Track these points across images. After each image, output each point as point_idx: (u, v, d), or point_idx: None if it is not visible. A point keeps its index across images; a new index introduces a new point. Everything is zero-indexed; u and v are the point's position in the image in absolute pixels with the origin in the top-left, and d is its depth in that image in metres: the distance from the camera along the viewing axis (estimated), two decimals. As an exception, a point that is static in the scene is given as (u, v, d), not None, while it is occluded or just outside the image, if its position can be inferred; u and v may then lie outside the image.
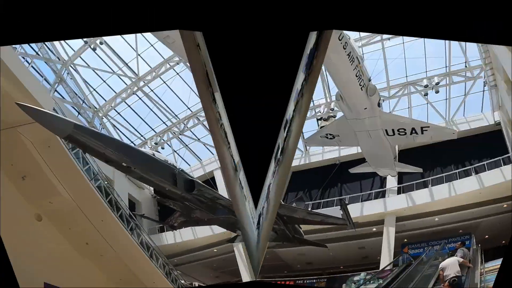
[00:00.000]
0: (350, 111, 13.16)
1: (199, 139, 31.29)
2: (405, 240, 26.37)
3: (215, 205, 11.82)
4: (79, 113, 28.03)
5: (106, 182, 19.60)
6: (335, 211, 15.20)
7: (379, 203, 24.69)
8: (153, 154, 10.30)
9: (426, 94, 25.30)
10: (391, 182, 25.72)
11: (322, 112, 25.93)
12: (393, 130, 14.21)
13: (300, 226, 15.18)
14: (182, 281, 22.41)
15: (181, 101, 29.39)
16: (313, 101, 28.29)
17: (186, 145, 31.86)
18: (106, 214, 18.36)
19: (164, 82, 28.29)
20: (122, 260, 19.49)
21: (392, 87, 27.05)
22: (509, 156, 22.64)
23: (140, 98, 29.30)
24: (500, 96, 22.92)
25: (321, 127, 19.07)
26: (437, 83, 24.06)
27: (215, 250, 28.88)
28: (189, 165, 32.82)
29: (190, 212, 12.36)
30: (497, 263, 15.63)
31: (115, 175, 27.00)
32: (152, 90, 28.93)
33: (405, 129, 14.11)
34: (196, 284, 23.10)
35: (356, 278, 20.98)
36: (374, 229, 24.70)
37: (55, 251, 17.88)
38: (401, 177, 25.60)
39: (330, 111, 24.27)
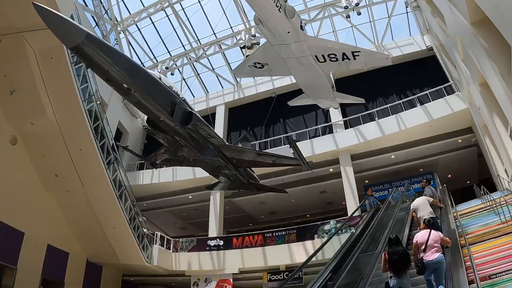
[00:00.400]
0: (273, 36, 12.85)
1: (213, 68, 29.96)
2: (366, 181, 26.50)
3: (205, 144, 11.33)
4: (97, 24, 26.47)
5: (98, 103, 18.14)
6: (285, 151, 14.77)
7: (329, 139, 24.33)
8: (160, 78, 9.54)
9: (348, 17, 24.52)
10: (336, 116, 25.54)
11: (244, 39, 25.44)
12: (323, 56, 13.96)
13: (253, 170, 15.04)
14: (145, 230, 21.90)
15: (209, 24, 28.15)
16: (231, 27, 28.11)
17: (198, 74, 30.48)
18: (87, 143, 17.11)
19: (199, 1, 26.78)
20: (87, 198, 18.66)
21: (311, 9, 26.48)
22: (450, 84, 22.75)
23: (167, 16, 27.60)
24: (426, 18, 22.79)
25: (246, 56, 18.62)
26: (357, 4, 23.32)
27: (190, 197, 28.11)
28: (194, 96, 31.67)
29: (177, 149, 11.86)
30: (468, 205, 15.94)
31: (112, 99, 26.45)
32: (183, 9, 27.20)
33: (335, 55, 13.86)
34: (159, 234, 22.59)
35: (326, 227, 20.88)
36: (331, 170, 24.67)
37: (20, 183, 17.39)
38: (345, 110, 25.58)
39: (252, 37, 23.83)
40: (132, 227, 19.91)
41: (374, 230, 11.86)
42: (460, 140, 23.39)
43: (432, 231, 7.76)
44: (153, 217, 30.69)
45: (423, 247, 7.49)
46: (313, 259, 12.15)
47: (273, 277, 20.31)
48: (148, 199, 28.49)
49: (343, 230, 18.29)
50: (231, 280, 21.62)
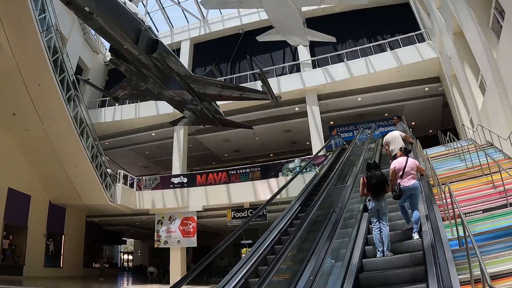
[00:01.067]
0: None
1: (179, 2, 28.21)
2: (332, 122, 26.55)
3: (171, 75, 10.82)
4: None
5: (59, 36, 17.11)
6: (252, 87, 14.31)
7: (296, 77, 23.99)
8: (124, 3, 8.93)
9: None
10: (304, 55, 25.13)
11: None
12: (297, -14, 13.30)
13: (218, 106, 14.59)
14: (109, 170, 21.45)
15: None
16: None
17: (163, 7, 28.81)
18: (46, 77, 16.14)
19: None
20: (47, 137, 17.97)
21: None
22: (422, 32, 22.75)
23: None
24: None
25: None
26: None
27: (153, 134, 27.64)
28: (158, 31, 29.53)
29: (141, 82, 11.31)
30: (433, 151, 16.24)
31: (72, 33, 25.17)
32: None
33: (310, -15, 13.22)
34: (122, 172, 22.18)
35: (291, 165, 20.84)
36: (297, 109, 24.50)
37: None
38: (313, 49, 25.17)
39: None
40: (94, 166, 19.52)
41: (342, 167, 11.74)
42: (427, 89, 23.69)
43: (409, 158, 7.88)
44: (116, 156, 30.14)
45: (401, 173, 7.63)
46: (278, 197, 12.17)
47: (237, 215, 20.47)
48: (110, 137, 27.86)
49: (308, 169, 18.35)
50: (195, 217, 21.77)
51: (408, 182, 7.53)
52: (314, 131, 22.75)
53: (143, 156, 32.34)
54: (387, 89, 23.50)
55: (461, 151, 13.80)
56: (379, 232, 7.04)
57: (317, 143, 22.06)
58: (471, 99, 16.81)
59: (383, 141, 11.42)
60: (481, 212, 8.31)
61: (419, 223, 7.20)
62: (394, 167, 7.85)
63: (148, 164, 33.95)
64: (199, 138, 27.75)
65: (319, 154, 18.78)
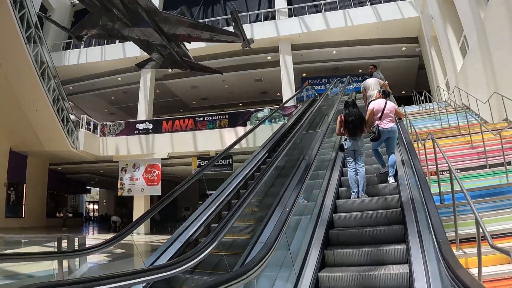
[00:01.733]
0: None
1: None
2: (304, 74, 26.11)
3: (137, 11, 10.02)
4: None
5: None
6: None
7: (270, 25, 23.23)
8: None
9: None
10: (280, 2, 24.26)
11: None
12: None
13: (187, 48, 13.86)
14: (72, 116, 20.51)
15: None
16: None
17: None
18: (4, 13, 14.88)
19: None
20: (6, 79, 16.85)
21: None
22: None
23: None
24: None
25: None
26: None
27: (119, 79, 26.59)
28: None
29: (107, 19, 10.44)
30: (408, 109, 15.78)
31: None
32: None
33: None
34: (85, 117, 21.26)
35: (260, 114, 20.24)
36: (269, 58, 23.95)
37: None
38: None
39: None
40: (55, 110, 18.45)
41: (313, 117, 11.34)
42: (404, 48, 23.63)
43: (388, 101, 7.72)
44: (81, 102, 29.13)
45: (379, 114, 7.48)
46: (245, 146, 11.67)
47: (202, 163, 19.94)
48: (75, 81, 26.74)
49: (277, 119, 17.93)
50: (159, 165, 21.24)
51: (387, 124, 7.40)
52: (286, 82, 22.36)
53: (109, 102, 31.35)
54: (363, 45, 23.26)
55: (438, 112, 13.70)
56: (354, 172, 6.96)
57: (288, 94, 21.64)
58: (450, 61, 16.75)
59: (361, 87, 11.15)
60: (458, 171, 8.08)
61: (395, 167, 7.15)
62: (373, 108, 7.62)
63: (114, 110, 32.94)
64: (167, 83, 26.97)
65: (290, 105, 18.31)
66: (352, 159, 7.12)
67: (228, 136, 19.56)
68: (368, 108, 7.90)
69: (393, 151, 7.42)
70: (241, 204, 5.63)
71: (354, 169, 6.99)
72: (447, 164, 5.71)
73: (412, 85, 27.15)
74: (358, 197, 6.75)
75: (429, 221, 3.98)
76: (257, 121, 19.54)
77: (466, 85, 14.35)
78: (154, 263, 5.34)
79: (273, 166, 7.08)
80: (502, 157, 7.86)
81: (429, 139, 7.31)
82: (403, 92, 27.77)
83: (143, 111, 23.67)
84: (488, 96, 11.54)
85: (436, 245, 3.38)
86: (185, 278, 5.39)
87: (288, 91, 21.82)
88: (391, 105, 7.65)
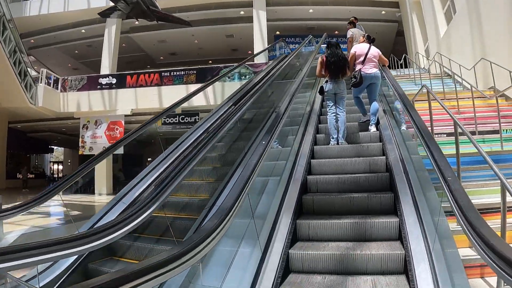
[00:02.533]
0: None
1: None
2: (278, 32, 25.22)
3: None
4: None
5: None
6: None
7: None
8: None
9: None
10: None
11: None
12: None
13: None
14: (33, 72, 19.15)
15: None
16: None
17: None
18: None
19: None
20: None
21: None
22: None
23: None
24: None
25: None
26: None
27: (83, 31, 25.01)
28: None
29: None
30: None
31: None
32: None
33: None
34: (45, 71, 19.89)
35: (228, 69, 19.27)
36: (242, 12, 22.97)
37: None
38: None
39: None
40: (12, 62, 17.01)
41: (285, 70, 10.67)
42: (383, 12, 23.13)
43: (372, 46, 7.32)
44: (42, 56, 27.49)
45: (362, 58, 7.13)
46: (212, 103, 10.85)
47: (168, 120, 19.04)
48: (36, 34, 25.04)
49: (247, 76, 17.12)
50: (122, 122, 20.09)
51: (370, 70, 7.08)
52: (259, 39, 21.51)
53: (73, 57, 29.69)
54: (342, 5, 22.59)
55: (419, 77, 13.39)
56: (334, 117, 6.59)
57: (260, 49, 20.61)
58: (432, 27, 16.40)
59: (348, 35, 10.86)
60: (445, 135, 7.81)
61: (377, 116, 6.93)
62: (355, 52, 7.26)
63: (78, 65, 31.26)
64: (133, 37, 25.69)
65: (261, 62, 17.45)
66: (332, 103, 6.73)
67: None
68: (350, 52, 7.46)
69: (375, 99, 7.12)
70: (194, 156, 4.59)
71: (334, 114, 6.61)
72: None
73: (388, 52, 26.43)
74: (337, 143, 6.37)
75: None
76: (226, 78, 18.67)
77: (449, 52, 13.98)
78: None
79: (238, 113, 6.24)
80: (494, 124, 7.55)
81: (423, 92, 6.98)
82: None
83: (106, 65, 22.31)
84: (473, 63, 11.11)
85: (450, 195, 2.59)
86: (128, 245, 4.62)
87: (260, 48, 20.85)
88: (375, 50, 7.28)
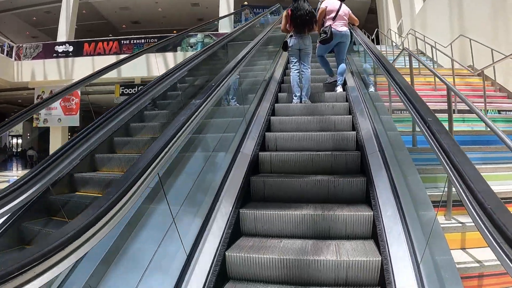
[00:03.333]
0: None
1: None
2: (246, 2, 24.63)
3: None
4: None
5: None
6: None
7: None
8: None
9: None
10: None
11: None
12: None
13: None
14: None
15: None
16: None
17: None
18: None
19: None
20: None
21: None
22: None
23: None
24: None
25: None
26: None
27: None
28: None
29: None
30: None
31: None
32: None
33: None
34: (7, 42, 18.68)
35: (192, 40, 18.35)
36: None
37: None
38: None
39: None
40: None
41: (245, 35, 9.94)
42: None
43: (343, 4, 7.04)
44: (-2, 23, 25.71)
45: (333, 15, 6.82)
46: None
47: (126, 91, 18.07)
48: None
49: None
50: (79, 92, 18.90)
51: (340, 27, 6.82)
52: (225, 9, 20.67)
53: (31, 24, 28.01)
54: None
55: (391, 53, 12.93)
56: (298, 74, 6.33)
57: (226, 22, 19.65)
58: (407, 3, 15.98)
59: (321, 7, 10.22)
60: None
61: (344, 76, 6.77)
62: (326, 7, 6.94)
63: (36, 33, 29.53)
64: (94, 3, 24.38)
65: (224, 32, 16.59)
66: (296, 60, 6.43)
67: (156, 62, 17.56)
68: (320, 7, 7.06)
69: (343, 59, 6.94)
70: (110, 119, 3.69)
71: (298, 71, 6.34)
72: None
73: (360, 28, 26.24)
74: (300, 101, 6.11)
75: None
76: (189, 47, 17.81)
77: (424, 28, 13.73)
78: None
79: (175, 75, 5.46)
80: (474, 103, 6.81)
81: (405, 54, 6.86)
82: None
83: (63, 32, 20.79)
84: (450, 40, 10.80)
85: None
86: (37, 230, 3.79)
87: (226, 18, 19.89)
88: (346, 8, 7.02)
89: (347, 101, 6.00)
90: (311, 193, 3.69)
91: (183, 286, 2.46)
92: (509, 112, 7.47)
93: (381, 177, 3.49)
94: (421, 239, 2.52)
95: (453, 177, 1.76)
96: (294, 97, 6.20)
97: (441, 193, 3.33)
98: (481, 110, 6.52)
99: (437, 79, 8.57)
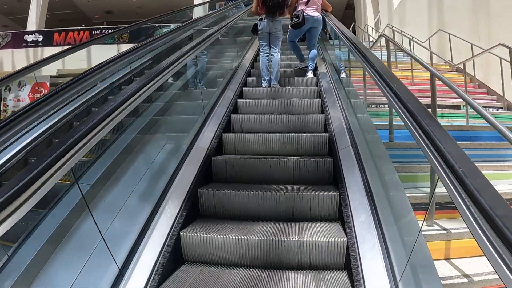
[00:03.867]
0: None
1: None
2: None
3: None
4: None
5: None
6: None
7: None
8: None
9: None
10: None
11: None
12: None
13: None
14: None
15: None
16: None
17: None
18: None
19: None
20: None
21: None
22: None
23: None
24: None
25: None
26: None
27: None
28: None
29: None
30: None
31: None
32: None
33: None
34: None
35: (165, 30, 17.97)
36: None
37: None
38: None
39: None
40: None
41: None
42: None
43: None
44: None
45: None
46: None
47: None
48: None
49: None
50: (48, 83, 18.36)
51: (313, 12, 6.65)
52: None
53: (1, 12, 27.16)
54: None
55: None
56: (267, 58, 6.23)
57: (201, 12, 19.30)
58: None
59: None
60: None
61: (315, 61, 6.71)
62: None
63: (7, 22, 28.66)
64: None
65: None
66: (266, 43, 6.31)
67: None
68: None
69: (315, 44, 6.86)
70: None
71: (267, 54, 6.25)
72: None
73: (336, 25, 26.35)
74: (269, 86, 6.03)
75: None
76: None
77: (402, 24, 13.69)
78: None
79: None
80: (453, 98, 6.96)
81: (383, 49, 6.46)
82: (325, 29, 26.94)
83: (33, 21, 20.24)
84: (427, 35, 10.75)
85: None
86: None
87: (201, 9, 19.60)
88: None
89: (317, 86, 5.92)
90: (276, 174, 3.51)
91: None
92: (489, 109, 7.29)
93: (349, 159, 3.33)
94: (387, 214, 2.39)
95: (420, 140, 1.59)
96: (263, 81, 6.13)
97: (422, 194, 3.21)
98: (462, 106, 6.50)
99: (415, 73, 8.55)
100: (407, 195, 2.48)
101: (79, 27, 19.62)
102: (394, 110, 2.20)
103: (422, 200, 3.22)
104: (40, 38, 18.60)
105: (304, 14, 6.53)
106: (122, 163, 3.00)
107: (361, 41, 12.58)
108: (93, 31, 18.29)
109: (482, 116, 3.18)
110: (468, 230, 1.13)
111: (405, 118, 1.87)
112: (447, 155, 1.33)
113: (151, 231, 2.51)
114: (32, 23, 20.23)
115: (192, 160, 3.43)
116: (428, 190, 3.29)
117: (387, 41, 6.33)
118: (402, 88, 2.13)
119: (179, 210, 2.82)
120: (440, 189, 2.46)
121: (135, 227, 2.45)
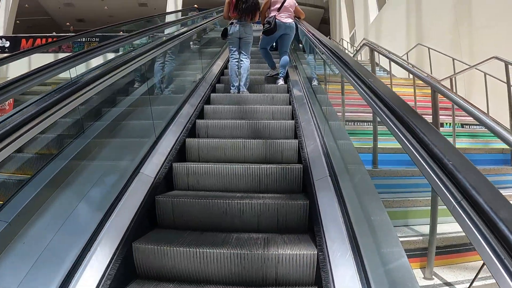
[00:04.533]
0: None
1: None
2: (195, 5, 23.83)
3: None
4: None
5: None
6: None
7: None
8: None
9: None
10: None
11: None
12: None
13: None
14: None
15: None
16: None
17: None
18: None
19: None
20: None
21: None
22: None
23: None
24: None
25: None
26: None
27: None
28: None
29: None
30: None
31: None
32: None
33: None
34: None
35: (137, 42, 17.66)
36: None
37: None
38: None
39: None
40: None
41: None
42: None
43: None
44: None
45: (278, 5, 6.59)
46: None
47: (65, 88, 17.13)
48: None
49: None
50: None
51: (285, 19, 6.60)
52: (172, 8, 20.16)
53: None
54: None
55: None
56: (236, 63, 6.16)
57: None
58: (362, 11, 15.96)
59: None
60: (366, 123, 6.40)
61: (286, 69, 6.68)
62: None
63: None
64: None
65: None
66: (236, 49, 6.25)
67: (96, 62, 16.76)
68: None
69: (286, 51, 6.76)
70: None
71: (237, 60, 6.18)
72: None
73: (310, 39, 26.66)
74: (238, 92, 5.91)
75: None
76: (131, 48, 17.19)
77: (379, 38, 13.54)
78: None
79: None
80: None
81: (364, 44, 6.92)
82: (300, 44, 27.33)
83: (1, 25, 19.74)
84: (405, 49, 10.55)
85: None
86: None
87: (173, 18, 19.45)
88: (292, 0, 6.82)
89: (288, 93, 5.87)
90: (243, 181, 3.29)
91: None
92: (473, 126, 6.97)
93: (319, 166, 3.13)
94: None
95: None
96: (231, 87, 6.00)
97: (416, 237, 2.72)
98: (448, 124, 6.12)
99: (395, 88, 7.69)
100: (400, 239, 2.10)
101: (47, 34, 19.09)
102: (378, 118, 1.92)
103: (417, 245, 2.69)
104: (7, 44, 18.09)
105: (276, 20, 6.48)
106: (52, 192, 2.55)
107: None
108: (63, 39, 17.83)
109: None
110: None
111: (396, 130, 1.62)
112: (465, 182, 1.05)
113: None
114: (0, 28, 19.66)
115: (150, 167, 3.18)
116: (424, 229, 2.78)
117: (371, 50, 6.07)
118: (387, 90, 1.91)
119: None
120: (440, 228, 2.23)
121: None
